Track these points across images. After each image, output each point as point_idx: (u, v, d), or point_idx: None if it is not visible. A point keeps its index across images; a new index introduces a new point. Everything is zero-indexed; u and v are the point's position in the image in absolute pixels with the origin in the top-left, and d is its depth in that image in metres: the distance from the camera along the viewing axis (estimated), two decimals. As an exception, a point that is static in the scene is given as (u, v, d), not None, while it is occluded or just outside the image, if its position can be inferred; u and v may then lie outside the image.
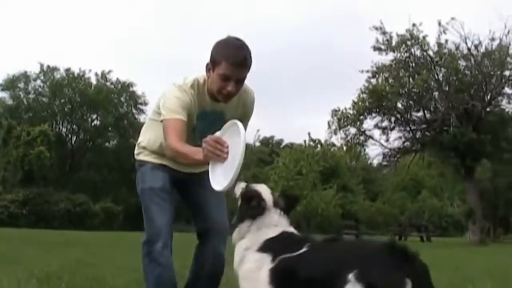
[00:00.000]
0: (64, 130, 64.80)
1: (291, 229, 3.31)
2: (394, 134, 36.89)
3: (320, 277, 2.67)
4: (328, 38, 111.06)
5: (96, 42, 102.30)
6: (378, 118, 36.21)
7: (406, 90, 34.79)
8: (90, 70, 65.01)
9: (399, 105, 35.82)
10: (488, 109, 34.15)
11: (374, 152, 39.46)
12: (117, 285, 6.58)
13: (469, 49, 33.85)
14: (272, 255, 3.00)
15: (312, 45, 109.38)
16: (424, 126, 35.95)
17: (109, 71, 65.32)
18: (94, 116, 64.91)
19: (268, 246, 3.10)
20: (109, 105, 63.60)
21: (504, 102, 35.14)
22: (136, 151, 4.31)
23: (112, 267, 9.08)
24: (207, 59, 3.83)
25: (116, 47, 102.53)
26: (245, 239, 3.26)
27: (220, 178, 3.40)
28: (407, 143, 37.19)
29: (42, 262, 9.75)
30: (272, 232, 3.21)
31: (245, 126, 3.96)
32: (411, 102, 35.59)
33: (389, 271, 2.48)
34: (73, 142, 65.13)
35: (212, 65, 3.74)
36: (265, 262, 3.01)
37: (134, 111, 65.69)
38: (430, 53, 34.47)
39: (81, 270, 8.40)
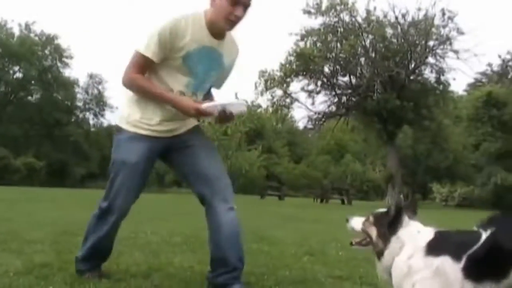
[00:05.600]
0: (-17, 81, 62.69)
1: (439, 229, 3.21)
2: (319, 98, 37.40)
3: None
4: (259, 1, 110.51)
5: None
6: (305, 81, 36.59)
7: (334, 54, 35.18)
8: (12, 20, 62.88)
9: (326, 69, 36.19)
10: (411, 77, 34.92)
11: (299, 115, 39.99)
12: (33, 239, 6.48)
13: (396, 18, 34.45)
14: (450, 256, 2.91)
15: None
16: (349, 91, 36.49)
17: (33, 22, 63.24)
18: (17, 68, 62.73)
19: (437, 248, 2.99)
20: (33, 58, 61.43)
21: (427, 71, 36.12)
22: (120, 115, 4.13)
23: (29, 222, 8.94)
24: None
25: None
26: (402, 252, 3.05)
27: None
28: (332, 107, 37.70)
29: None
30: (427, 236, 3.08)
31: (226, 79, 4.23)
32: (337, 66, 35.99)
33: None
34: (-7, 94, 63.10)
35: None
36: (447, 265, 2.91)
37: (59, 64, 63.82)
38: (359, 19, 34.89)
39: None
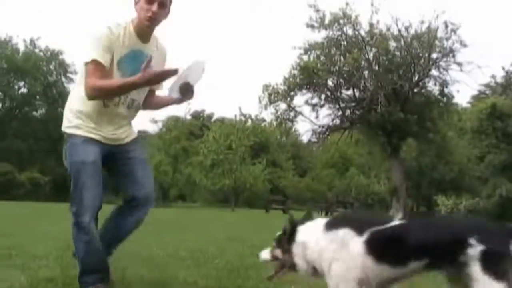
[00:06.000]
0: (-11, 97, 62.88)
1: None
2: (323, 111, 37.32)
3: (438, 241, 2.92)
4: (264, 14, 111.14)
5: (24, 8, 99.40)
6: (309, 95, 36.57)
7: (337, 68, 35.17)
8: (17, 36, 63.18)
9: (329, 82, 36.19)
10: (415, 90, 34.92)
11: (303, 129, 40.04)
12: (37, 253, 6.50)
13: (399, 31, 34.46)
14: (353, 230, 3.10)
15: (247, 20, 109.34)
16: (353, 104, 36.46)
17: (38, 38, 63.58)
18: (22, 84, 62.99)
19: (337, 224, 3.23)
20: (38, 73, 61.73)
21: (431, 84, 36.06)
22: (65, 123, 4.30)
23: (34, 237, 8.96)
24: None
25: (45, 13, 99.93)
26: (308, 246, 3.31)
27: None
28: (336, 121, 37.66)
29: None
30: (321, 221, 3.37)
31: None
32: (341, 80, 35.99)
33: (502, 239, 2.85)
34: (-2, 109, 63.27)
35: None
36: (348, 237, 3.10)
37: (63, 79, 64.13)
38: (362, 32, 34.94)
39: (0, 239, 8.23)
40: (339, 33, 35.03)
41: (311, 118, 37.32)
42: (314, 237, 3.27)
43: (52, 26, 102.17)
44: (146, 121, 60.94)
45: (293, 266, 3.43)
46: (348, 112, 37.17)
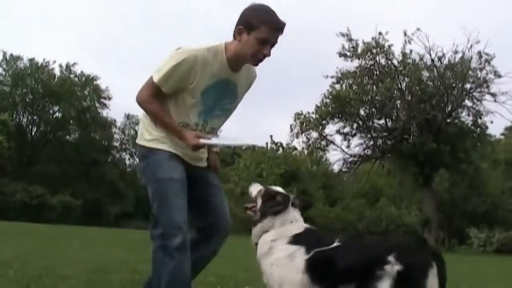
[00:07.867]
0: (24, 120, 63.67)
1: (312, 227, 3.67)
2: (355, 141, 37.29)
3: (361, 263, 3.13)
4: (295, 43, 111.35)
5: (61, 34, 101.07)
6: (340, 124, 36.56)
7: (369, 97, 35.12)
8: (54, 61, 64.08)
9: (361, 112, 36.14)
10: (448, 120, 34.67)
11: (334, 158, 39.81)
12: (68, 275, 6.51)
13: (432, 60, 34.39)
14: (305, 247, 3.33)
15: (278, 48, 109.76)
16: (385, 134, 36.33)
17: (74, 64, 64.42)
18: (56, 108, 63.75)
19: (298, 240, 3.41)
20: (72, 98, 62.54)
21: (464, 114, 35.81)
22: (145, 136, 3.92)
23: (64, 259, 9.02)
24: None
25: (81, 39, 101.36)
26: (270, 232, 3.52)
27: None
28: (367, 150, 37.52)
29: (-8, 250, 9.62)
30: (297, 228, 3.54)
31: (239, 103, 4.16)
32: (373, 109, 35.93)
33: (420, 255, 3.11)
34: (33, 133, 63.89)
35: (248, 29, 3.66)
36: (298, 253, 3.33)
37: (97, 105, 64.82)
38: (395, 62, 34.90)
39: (32, 260, 8.29)
40: (372, 62, 35.04)
41: (342, 147, 37.30)
42: (278, 233, 3.51)
43: (88, 51, 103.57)
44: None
45: (255, 223, 3.63)
46: (379, 141, 37.04)
